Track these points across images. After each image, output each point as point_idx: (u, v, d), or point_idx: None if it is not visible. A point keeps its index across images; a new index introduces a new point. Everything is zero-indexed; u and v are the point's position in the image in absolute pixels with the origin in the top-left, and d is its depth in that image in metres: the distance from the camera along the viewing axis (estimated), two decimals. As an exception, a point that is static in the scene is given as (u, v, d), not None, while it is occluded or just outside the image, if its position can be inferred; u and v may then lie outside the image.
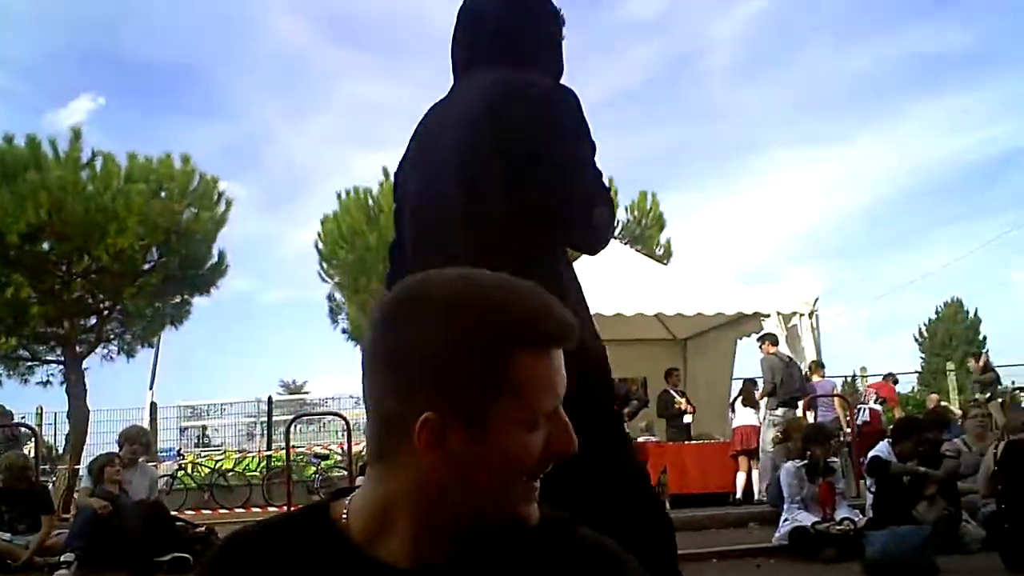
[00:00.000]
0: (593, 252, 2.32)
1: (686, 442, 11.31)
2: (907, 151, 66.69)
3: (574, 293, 2.15)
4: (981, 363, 16.68)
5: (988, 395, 15.15)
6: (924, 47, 58.69)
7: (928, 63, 61.80)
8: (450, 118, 2.23)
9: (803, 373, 10.59)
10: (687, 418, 11.61)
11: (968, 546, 6.74)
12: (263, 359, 67.29)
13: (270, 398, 17.95)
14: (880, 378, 16.80)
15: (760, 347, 10.77)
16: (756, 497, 10.21)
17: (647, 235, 20.79)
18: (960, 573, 5.99)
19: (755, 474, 10.43)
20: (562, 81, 2.31)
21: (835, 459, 7.49)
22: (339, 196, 18.58)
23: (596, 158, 2.20)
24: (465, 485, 0.97)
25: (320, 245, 18.95)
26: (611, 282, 11.11)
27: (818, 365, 11.45)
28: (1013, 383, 18.44)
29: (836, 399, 11.62)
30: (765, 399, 10.52)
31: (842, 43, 57.94)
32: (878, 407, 13.79)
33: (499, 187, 2.08)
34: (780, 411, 10.11)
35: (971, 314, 41.93)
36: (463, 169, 2.13)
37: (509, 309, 0.98)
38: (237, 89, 57.01)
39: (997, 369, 16.96)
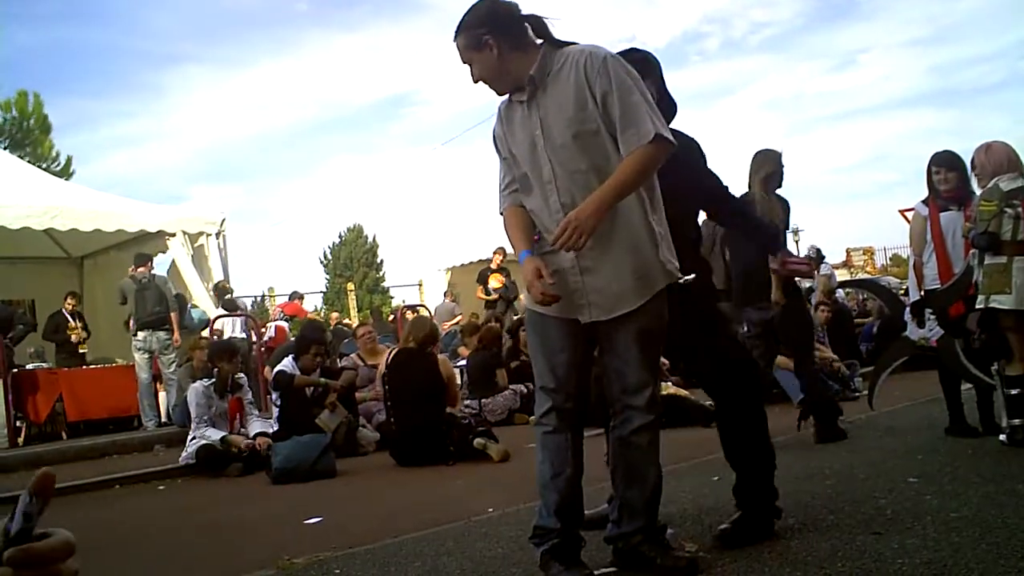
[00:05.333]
0: None
1: (83, 367, 10.46)
2: (310, 82, 70.00)
3: None
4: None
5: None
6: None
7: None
8: None
9: (166, 295, 10.11)
10: (82, 347, 10.78)
11: (365, 448, 7.33)
12: None
13: None
14: (287, 297, 17.44)
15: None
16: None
17: (33, 139, 18.62)
18: (357, 472, 6.48)
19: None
20: None
21: (242, 375, 7.50)
22: None
23: None
24: None
25: None
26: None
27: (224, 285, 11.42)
28: (404, 301, 20.60)
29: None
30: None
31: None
32: (285, 323, 14.30)
33: None
34: (141, 335, 9.76)
35: (371, 239, 45.74)
36: None
37: None
38: None
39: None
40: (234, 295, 11.39)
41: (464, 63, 2.85)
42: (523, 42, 2.82)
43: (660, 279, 2.79)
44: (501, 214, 2.96)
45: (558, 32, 2.88)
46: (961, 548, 2.76)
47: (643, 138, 2.66)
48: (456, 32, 2.84)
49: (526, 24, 2.84)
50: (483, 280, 14.25)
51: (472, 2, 2.84)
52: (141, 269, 9.92)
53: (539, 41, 2.84)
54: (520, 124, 2.84)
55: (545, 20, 2.87)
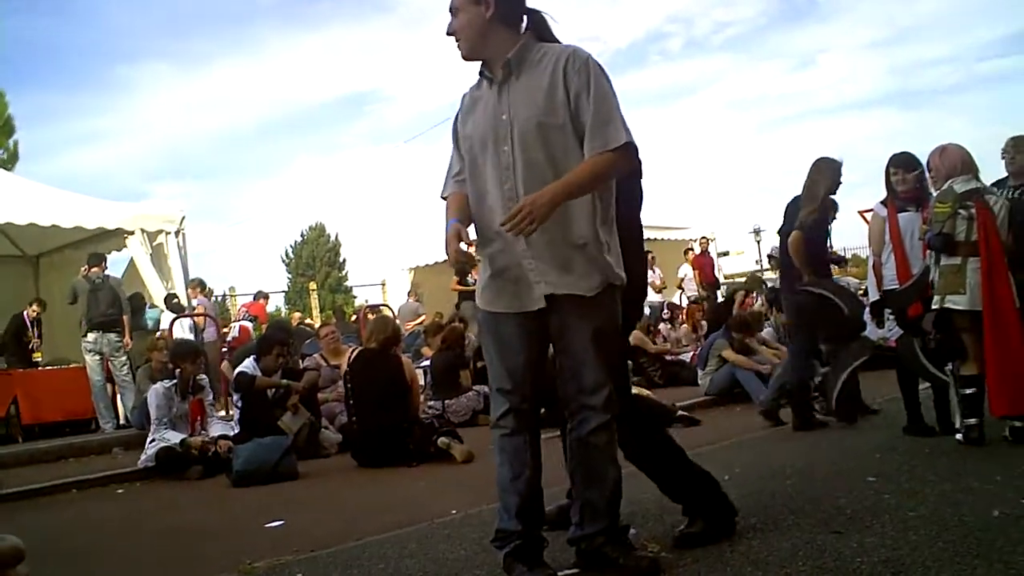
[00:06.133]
0: None
1: (38, 368, 10.28)
2: (273, 80, 69.49)
3: None
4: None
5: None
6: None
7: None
8: None
9: (120, 297, 9.82)
10: (36, 356, 10.60)
11: (327, 450, 7.27)
12: None
13: None
14: (251, 297, 17.27)
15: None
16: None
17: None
18: (319, 475, 6.42)
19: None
20: None
21: (203, 376, 7.41)
22: None
23: None
24: None
25: None
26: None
27: (197, 284, 11.33)
28: (367, 300, 20.47)
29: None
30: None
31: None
32: (248, 324, 14.17)
33: None
34: (91, 336, 9.55)
35: (333, 238, 45.45)
36: None
37: None
38: None
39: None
40: (212, 296, 11.28)
41: (450, 9, 2.84)
42: (515, 20, 2.85)
43: (608, 276, 2.78)
44: (443, 198, 2.94)
45: (556, 32, 2.90)
46: (918, 546, 2.80)
47: (609, 144, 2.67)
48: None
49: (526, 9, 2.86)
50: (462, 272, 13.48)
51: None
52: (95, 269, 9.76)
53: (526, 32, 2.85)
54: (485, 108, 2.84)
55: (546, 16, 2.89)
